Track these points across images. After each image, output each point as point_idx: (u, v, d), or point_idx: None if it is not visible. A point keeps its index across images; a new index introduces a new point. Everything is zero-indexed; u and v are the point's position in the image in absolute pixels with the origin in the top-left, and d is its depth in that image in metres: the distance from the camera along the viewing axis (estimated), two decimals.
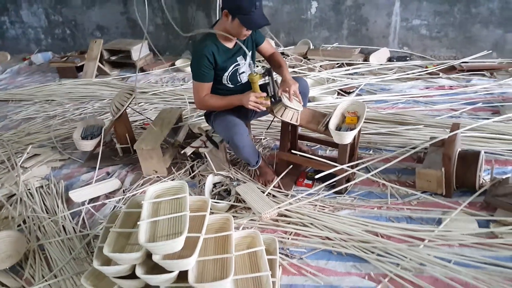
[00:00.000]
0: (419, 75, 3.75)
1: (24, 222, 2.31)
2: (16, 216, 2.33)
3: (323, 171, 2.21)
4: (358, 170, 2.27)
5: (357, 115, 2.19)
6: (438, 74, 3.71)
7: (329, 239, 1.95)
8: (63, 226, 2.23)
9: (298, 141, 2.52)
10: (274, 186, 2.31)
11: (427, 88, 3.54)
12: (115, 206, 2.39)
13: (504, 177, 2.11)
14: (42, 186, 2.64)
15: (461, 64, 3.81)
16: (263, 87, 2.19)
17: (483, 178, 2.21)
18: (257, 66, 2.26)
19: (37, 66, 5.36)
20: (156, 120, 2.85)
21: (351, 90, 3.49)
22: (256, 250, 1.72)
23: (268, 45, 2.37)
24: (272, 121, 2.70)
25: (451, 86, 3.51)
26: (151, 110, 3.66)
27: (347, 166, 2.16)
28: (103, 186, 2.52)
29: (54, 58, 5.40)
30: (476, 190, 2.12)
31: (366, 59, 4.13)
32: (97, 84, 4.41)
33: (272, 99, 2.14)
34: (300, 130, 2.48)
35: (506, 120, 2.74)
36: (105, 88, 4.31)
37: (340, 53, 4.16)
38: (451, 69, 3.79)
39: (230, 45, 2.19)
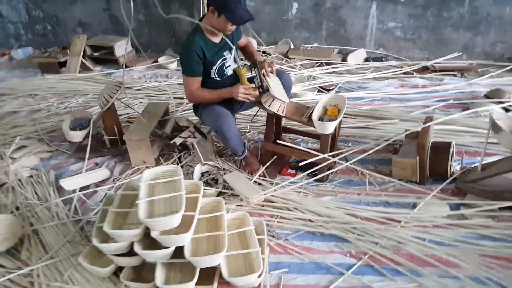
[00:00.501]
0: (394, 74, 3.96)
1: (17, 209, 2.33)
2: (9, 203, 2.36)
3: (304, 161, 2.35)
4: (337, 160, 2.41)
5: (338, 107, 2.34)
6: (413, 74, 3.93)
7: (311, 221, 2.08)
8: (55, 212, 2.28)
9: (282, 134, 2.65)
10: (259, 175, 2.43)
11: (402, 86, 3.74)
12: (105, 194, 2.45)
13: (473, 165, 2.30)
14: (31, 176, 2.66)
15: (434, 64, 4.04)
16: (250, 80, 2.31)
17: (454, 167, 2.39)
18: (241, 59, 2.40)
19: (17, 61, 5.29)
20: (144, 113, 2.92)
21: (331, 88, 3.65)
22: (246, 230, 1.84)
23: (244, 38, 2.52)
24: (256, 113, 2.81)
25: (424, 85, 3.72)
26: (136, 105, 3.72)
27: (329, 156, 2.30)
28: (93, 175, 2.58)
29: (35, 53, 5.35)
30: (447, 177, 2.30)
31: (344, 59, 4.31)
32: (81, 79, 4.42)
33: (260, 90, 2.26)
34: (283, 122, 2.61)
35: (475, 116, 2.96)
36: (89, 83, 4.33)
37: (319, 53, 4.33)
38: (425, 69, 4.01)
39: (216, 40, 2.31)
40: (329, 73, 4.02)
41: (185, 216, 1.62)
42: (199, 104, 2.51)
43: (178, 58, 3.95)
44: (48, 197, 2.42)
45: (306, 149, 2.34)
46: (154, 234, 1.59)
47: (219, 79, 2.41)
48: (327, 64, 4.17)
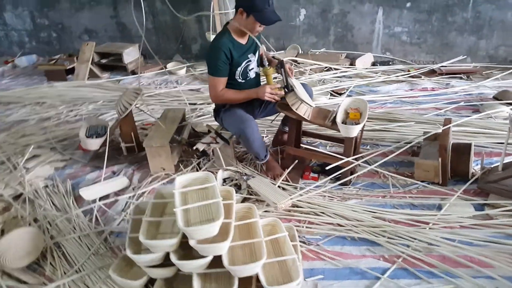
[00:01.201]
0: (403, 78, 3.99)
1: (35, 221, 2.30)
2: (26, 215, 2.32)
3: (328, 164, 2.36)
4: (360, 164, 2.43)
5: (359, 111, 2.35)
6: (421, 77, 3.96)
7: (340, 225, 2.09)
8: (76, 223, 2.25)
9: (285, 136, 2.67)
10: (282, 180, 2.43)
11: (411, 89, 3.77)
12: (126, 203, 2.43)
13: (492, 166, 2.33)
14: (47, 186, 2.63)
15: (440, 68, 4.09)
16: None
17: (473, 168, 2.41)
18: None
19: (21, 69, 5.25)
20: (161, 120, 2.91)
21: (342, 92, 3.68)
22: (279, 237, 1.83)
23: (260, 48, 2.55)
24: (276, 115, 2.81)
25: (433, 88, 3.76)
26: (147, 111, 3.70)
27: (352, 159, 2.31)
28: (112, 184, 2.56)
29: (39, 61, 5.31)
30: (468, 178, 2.33)
31: (352, 64, 4.35)
32: (90, 86, 4.40)
33: (285, 90, 2.29)
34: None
35: (487, 117, 3.00)
36: (98, 91, 4.32)
37: (327, 58, 4.36)
38: (432, 72, 4.06)
39: (243, 41, 2.35)
40: (338, 77, 4.05)
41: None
42: (221, 109, 2.53)
43: (205, 60, 3.96)
44: (67, 208, 2.40)
45: (329, 153, 2.35)
46: (191, 242, 1.57)
47: (242, 80, 2.44)
48: (336, 68, 4.20)
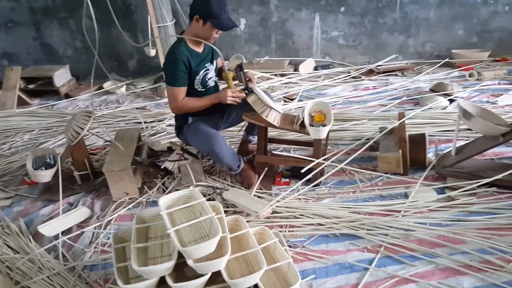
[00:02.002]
0: (345, 80, 4.22)
1: None
2: None
3: (299, 168, 2.41)
4: (331, 163, 2.50)
5: (323, 113, 2.44)
6: (361, 77, 4.21)
7: (321, 224, 2.14)
8: (42, 263, 2.05)
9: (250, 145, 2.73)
10: (255, 189, 2.43)
11: (355, 89, 3.99)
12: (94, 234, 2.27)
13: (445, 152, 2.54)
14: None
15: (377, 67, 4.38)
16: None
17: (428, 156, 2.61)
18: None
19: None
20: (114, 143, 2.76)
21: (293, 97, 3.78)
22: (270, 244, 1.82)
23: (220, 59, 2.55)
24: (244, 124, 2.81)
25: (374, 86, 4.02)
26: (92, 135, 3.50)
27: (322, 160, 2.38)
28: (72, 216, 2.38)
29: None
30: (425, 166, 2.51)
31: (296, 69, 4.49)
32: (21, 115, 4.05)
33: (246, 92, 2.32)
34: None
35: (424, 109, 3.26)
36: (31, 119, 3.99)
37: (272, 65, 4.46)
38: (370, 72, 4.33)
39: (199, 49, 2.35)
40: (286, 83, 4.16)
41: None
42: (183, 126, 2.48)
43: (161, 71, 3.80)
44: (27, 248, 2.18)
45: (301, 157, 2.40)
46: (189, 262, 1.51)
47: (203, 89, 2.43)
48: (282, 75, 4.31)
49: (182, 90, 2.32)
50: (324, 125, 2.30)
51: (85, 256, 2.09)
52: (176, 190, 2.61)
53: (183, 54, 2.23)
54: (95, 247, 2.14)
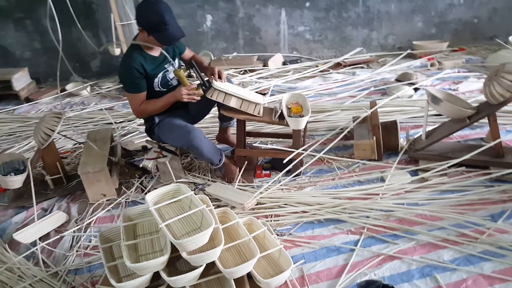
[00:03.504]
0: (313, 73, 4.30)
1: None
2: None
3: (278, 159, 2.45)
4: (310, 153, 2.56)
5: (299, 104, 2.49)
6: (329, 71, 4.32)
7: (305, 212, 2.18)
8: (22, 272, 1.97)
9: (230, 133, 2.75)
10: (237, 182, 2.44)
11: (324, 83, 4.08)
12: (74, 237, 2.20)
13: (416, 136, 2.66)
14: None
15: (344, 60, 4.51)
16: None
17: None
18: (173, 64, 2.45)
19: None
20: (87, 144, 2.68)
21: (265, 92, 3.82)
22: (259, 233, 1.85)
23: (188, 51, 2.57)
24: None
25: (343, 79, 4.13)
26: (60, 138, 3.37)
27: (302, 150, 2.43)
28: (49, 221, 2.29)
29: None
30: (398, 151, 2.62)
31: (265, 65, 4.54)
32: None
33: (203, 87, 2.30)
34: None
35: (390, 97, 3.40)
36: None
37: (241, 61, 4.48)
38: (337, 65, 4.45)
39: (156, 53, 2.30)
40: (257, 79, 4.19)
41: None
42: (153, 125, 2.45)
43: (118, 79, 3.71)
44: (3, 258, 2.08)
45: (281, 148, 2.43)
46: (184, 255, 1.51)
47: (164, 89, 2.39)
48: (251, 71, 4.34)
49: (141, 96, 2.29)
50: (302, 116, 2.35)
51: (67, 260, 2.03)
52: (155, 189, 2.59)
53: (136, 60, 2.19)
54: (77, 251, 2.08)
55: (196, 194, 2.31)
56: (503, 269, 1.68)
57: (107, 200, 2.48)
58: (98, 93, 4.42)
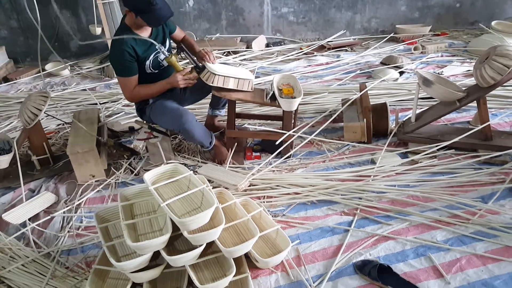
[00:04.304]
0: (298, 56, 4.29)
1: None
2: None
3: (269, 141, 2.44)
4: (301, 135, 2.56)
5: (290, 85, 2.48)
6: (313, 53, 4.31)
7: (297, 193, 2.20)
8: (12, 252, 1.91)
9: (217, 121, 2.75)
10: (228, 163, 2.43)
11: (309, 65, 4.08)
12: (64, 218, 2.15)
13: (405, 119, 2.71)
14: None
15: (328, 43, 4.50)
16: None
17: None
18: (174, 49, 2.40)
19: None
20: (74, 124, 2.61)
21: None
22: (255, 213, 1.85)
23: (179, 31, 2.49)
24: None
25: (327, 62, 4.14)
26: (43, 119, 3.26)
27: (293, 132, 2.44)
28: (38, 202, 2.24)
29: None
30: (387, 134, 2.66)
31: (248, 46, 4.48)
32: None
33: (197, 70, 2.27)
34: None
35: (387, 81, 3.45)
36: None
37: (225, 43, 4.41)
38: (321, 48, 4.45)
39: (146, 34, 2.24)
40: (241, 60, 4.15)
41: None
42: (145, 106, 2.40)
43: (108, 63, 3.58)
44: None
45: (272, 130, 2.43)
46: (185, 234, 1.50)
47: (156, 71, 2.35)
48: (234, 52, 4.28)
49: (133, 79, 2.23)
50: (293, 97, 2.35)
51: (59, 241, 1.99)
52: (145, 170, 2.55)
53: (127, 43, 2.12)
54: (68, 231, 2.03)
55: None
56: (495, 249, 1.74)
57: (96, 181, 2.43)
58: (78, 74, 4.27)
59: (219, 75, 2.23)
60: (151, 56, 2.26)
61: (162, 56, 2.32)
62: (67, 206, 2.23)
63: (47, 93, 2.46)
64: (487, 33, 4.06)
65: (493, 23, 4.09)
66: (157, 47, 2.19)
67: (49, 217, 2.13)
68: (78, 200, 2.26)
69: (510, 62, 2.07)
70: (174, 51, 2.33)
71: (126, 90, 2.27)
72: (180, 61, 2.29)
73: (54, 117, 2.97)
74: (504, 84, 2.43)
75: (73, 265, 1.82)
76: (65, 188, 2.41)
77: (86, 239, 1.97)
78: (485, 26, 4.12)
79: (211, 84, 2.23)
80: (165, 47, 2.32)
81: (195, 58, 2.29)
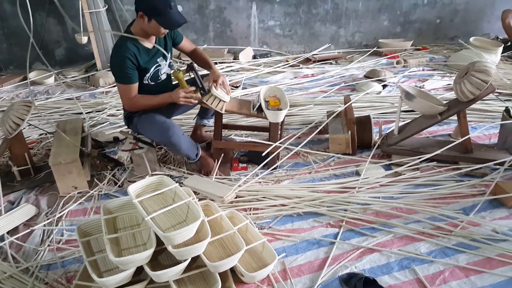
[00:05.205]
0: (284, 68, 4.33)
1: None
2: None
3: (255, 153, 2.45)
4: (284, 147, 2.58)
5: (277, 97, 2.50)
6: (299, 66, 4.36)
7: (284, 205, 2.20)
8: None
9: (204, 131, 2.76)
10: (214, 174, 2.42)
11: (295, 77, 4.12)
12: (44, 231, 2.10)
13: (388, 131, 2.75)
14: None
15: (313, 56, 4.57)
16: (190, 82, 2.29)
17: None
18: (176, 63, 2.38)
19: None
20: (58, 134, 2.56)
21: (238, 85, 3.80)
22: (241, 226, 1.84)
23: (188, 42, 2.47)
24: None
25: (313, 74, 4.19)
26: (25, 128, 3.20)
27: (279, 144, 2.45)
28: (17, 214, 2.17)
29: None
30: (371, 146, 2.70)
31: (235, 58, 4.51)
32: None
33: (202, 92, 2.26)
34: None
35: (371, 93, 3.51)
36: None
37: (212, 53, 4.43)
38: (307, 60, 4.50)
39: (149, 45, 2.22)
40: (227, 71, 4.16)
41: None
42: (133, 115, 2.37)
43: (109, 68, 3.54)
44: None
45: (259, 141, 2.44)
46: (170, 248, 1.48)
47: (152, 83, 2.33)
48: (221, 63, 4.29)
49: (133, 87, 2.20)
50: (279, 109, 2.36)
51: (38, 255, 1.93)
52: (129, 181, 2.52)
53: (129, 51, 2.10)
54: (49, 245, 1.98)
55: None
56: (477, 261, 1.77)
57: (78, 193, 2.38)
58: (63, 82, 4.21)
59: (224, 101, 2.24)
60: (152, 69, 2.25)
61: (163, 70, 2.30)
62: (47, 219, 2.17)
63: (31, 102, 2.42)
64: (466, 49, 4.18)
65: (471, 39, 4.22)
66: (167, 59, 2.19)
67: (28, 230, 2.07)
68: (60, 213, 2.21)
69: (488, 77, 2.14)
70: (183, 68, 2.30)
71: (125, 98, 2.24)
72: (185, 77, 2.27)
73: (36, 127, 2.91)
74: (483, 98, 2.50)
75: (53, 280, 1.77)
76: (46, 200, 2.35)
77: (67, 253, 1.92)
78: (464, 41, 4.25)
79: (209, 106, 2.23)
80: (166, 60, 2.32)
81: (202, 80, 2.26)
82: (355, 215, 2.10)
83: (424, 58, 4.41)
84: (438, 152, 2.34)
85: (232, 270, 1.70)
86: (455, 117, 2.38)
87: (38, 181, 2.49)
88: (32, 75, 4.21)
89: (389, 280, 1.70)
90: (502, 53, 4.22)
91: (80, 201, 2.30)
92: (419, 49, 4.89)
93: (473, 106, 2.48)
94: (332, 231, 2.02)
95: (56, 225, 2.13)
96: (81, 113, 3.38)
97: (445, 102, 2.48)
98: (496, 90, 2.58)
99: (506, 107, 2.58)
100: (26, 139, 2.94)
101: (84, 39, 4.09)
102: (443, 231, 1.95)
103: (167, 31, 2.18)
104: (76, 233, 1.67)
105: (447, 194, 2.20)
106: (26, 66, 3.46)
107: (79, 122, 2.72)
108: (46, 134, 2.98)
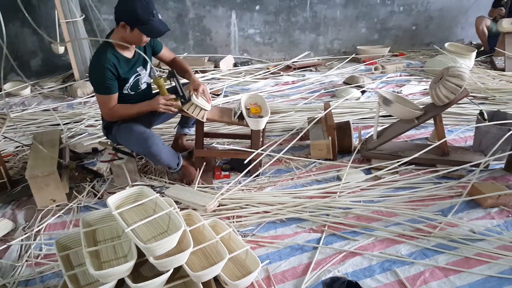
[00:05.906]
0: (265, 75, 4.36)
1: None
2: None
3: (238, 160, 2.45)
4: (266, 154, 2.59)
5: (258, 105, 2.51)
6: (280, 73, 4.40)
7: (267, 212, 2.20)
8: None
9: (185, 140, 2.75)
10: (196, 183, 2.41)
11: (276, 84, 4.15)
12: (22, 246, 2.04)
13: (367, 136, 2.80)
14: None
15: (293, 63, 4.61)
16: (171, 90, 2.28)
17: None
18: (157, 71, 2.36)
19: None
20: (35, 146, 2.51)
21: (219, 93, 3.80)
22: (224, 234, 1.84)
23: (167, 51, 2.46)
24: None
25: (293, 81, 4.23)
26: (0, 141, 3.13)
27: (261, 151, 2.46)
28: None
29: None
30: (351, 151, 2.73)
31: (216, 66, 4.52)
32: None
33: (182, 100, 2.25)
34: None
35: (350, 99, 3.56)
36: None
37: (193, 62, 4.42)
38: (287, 68, 4.55)
39: (129, 55, 2.21)
40: (208, 79, 4.16)
41: None
42: (112, 125, 2.34)
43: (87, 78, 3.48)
44: None
45: (241, 149, 2.44)
46: (151, 260, 1.46)
47: (132, 93, 2.31)
48: (202, 71, 4.30)
49: (112, 98, 2.18)
50: (261, 117, 2.38)
51: (15, 271, 1.88)
52: (109, 193, 2.48)
53: (109, 61, 2.08)
54: (27, 260, 1.93)
55: None
56: (456, 261, 1.81)
57: (57, 206, 2.33)
58: (39, 93, 4.14)
59: (205, 109, 2.24)
60: (131, 79, 2.23)
61: (143, 79, 2.29)
62: (25, 233, 2.12)
63: (6, 114, 2.37)
64: (441, 54, 4.30)
65: (446, 44, 4.34)
66: (147, 68, 2.17)
67: (5, 245, 2.01)
68: (38, 227, 2.15)
69: (462, 82, 2.20)
70: (164, 75, 2.29)
71: (104, 108, 2.21)
72: (166, 85, 2.25)
73: (12, 140, 2.85)
74: (458, 102, 2.57)
75: None
76: (23, 214, 2.29)
77: (46, 268, 1.87)
78: (439, 47, 4.37)
79: (190, 114, 2.23)
80: (146, 69, 2.30)
81: (183, 87, 2.25)
82: (337, 219, 2.12)
83: (401, 64, 4.51)
84: (416, 155, 2.39)
85: (216, 279, 1.69)
86: (431, 121, 2.45)
87: (15, 195, 2.43)
88: (7, 87, 4.12)
89: (371, 282, 1.72)
90: (475, 58, 4.36)
91: (58, 214, 2.25)
92: (396, 55, 5.00)
93: (449, 110, 2.55)
94: (315, 236, 2.03)
95: (34, 240, 2.07)
96: (58, 125, 3.32)
97: (421, 106, 2.54)
98: (470, 94, 2.65)
99: (480, 110, 2.66)
100: (1, 152, 2.90)
101: (61, 49, 4.04)
102: (423, 232, 1.99)
103: (149, 39, 2.17)
104: (54, 247, 1.64)
105: (425, 196, 2.25)
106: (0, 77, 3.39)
107: (57, 134, 2.67)
108: (22, 147, 2.92)
